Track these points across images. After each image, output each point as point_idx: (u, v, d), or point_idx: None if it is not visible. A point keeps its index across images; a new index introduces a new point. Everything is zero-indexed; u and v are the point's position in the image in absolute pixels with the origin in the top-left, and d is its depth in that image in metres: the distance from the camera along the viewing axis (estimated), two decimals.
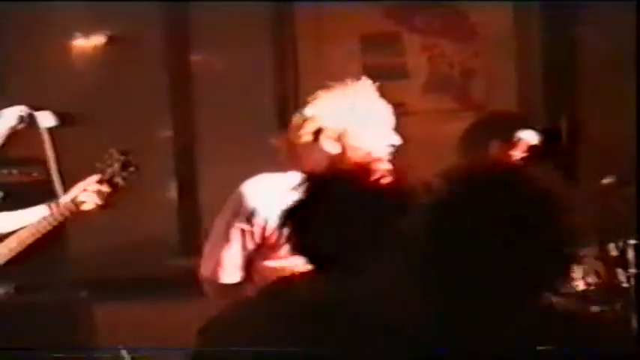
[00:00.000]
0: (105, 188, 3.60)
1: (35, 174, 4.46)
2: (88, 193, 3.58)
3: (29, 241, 3.61)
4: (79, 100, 5.17)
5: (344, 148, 3.11)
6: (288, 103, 5.37)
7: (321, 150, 3.11)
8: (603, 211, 3.26)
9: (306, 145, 3.13)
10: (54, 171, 3.60)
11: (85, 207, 3.59)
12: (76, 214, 3.61)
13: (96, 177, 3.62)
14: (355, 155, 3.07)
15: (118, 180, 3.62)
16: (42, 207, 3.63)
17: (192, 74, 5.72)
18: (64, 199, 3.59)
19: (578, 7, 5.20)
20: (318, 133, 3.12)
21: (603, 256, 2.98)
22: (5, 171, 4.56)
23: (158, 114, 5.66)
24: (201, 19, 5.61)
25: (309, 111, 3.15)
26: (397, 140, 3.16)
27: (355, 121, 3.12)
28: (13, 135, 3.55)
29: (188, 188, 5.67)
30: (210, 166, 5.55)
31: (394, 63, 5.40)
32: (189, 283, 3.38)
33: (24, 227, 3.61)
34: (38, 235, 3.60)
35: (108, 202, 3.63)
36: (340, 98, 3.15)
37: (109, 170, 3.62)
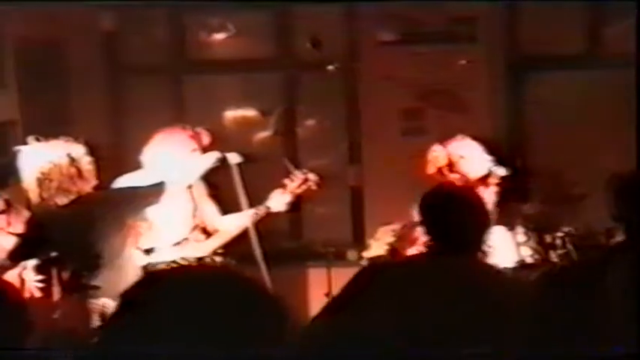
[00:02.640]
0: (291, 198, 4.98)
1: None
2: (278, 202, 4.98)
3: (234, 234, 4.92)
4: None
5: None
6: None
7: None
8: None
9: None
10: (240, 193, 4.89)
11: (274, 210, 4.99)
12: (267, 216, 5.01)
13: (281, 190, 4.98)
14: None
15: (297, 191, 4.98)
16: (250, 211, 4.95)
17: None
18: (266, 204, 4.97)
19: None
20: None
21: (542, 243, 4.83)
22: None
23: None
24: None
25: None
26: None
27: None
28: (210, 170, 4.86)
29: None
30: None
31: None
32: None
33: (232, 226, 4.91)
34: (241, 231, 4.92)
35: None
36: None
37: (292, 185, 4.98)
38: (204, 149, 4.83)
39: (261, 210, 5.03)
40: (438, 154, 4.90)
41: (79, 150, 4.23)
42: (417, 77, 6.12)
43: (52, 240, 3.98)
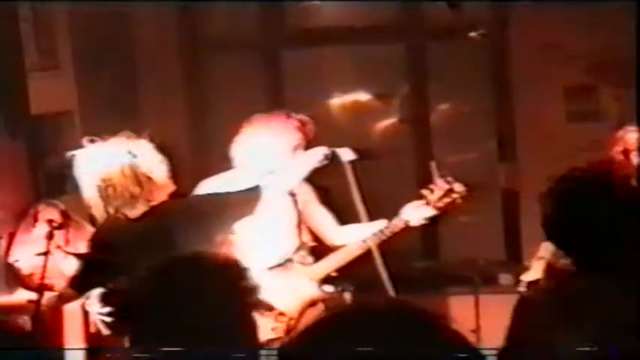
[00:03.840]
0: (431, 210, 4.86)
1: None
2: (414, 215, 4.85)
3: (356, 253, 4.82)
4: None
5: None
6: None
7: None
8: None
9: None
10: (356, 198, 4.67)
11: (412, 224, 4.85)
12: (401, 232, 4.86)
13: (418, 202, 4.85)
14: None
15: (439, 205, 4.87)
16: (379, 223, 4.82)
17: None
18: (400, 217, 4.84)
19: None
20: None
21: None
22: None
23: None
24: None
25: None
26: None
27: None
28: (316, 170, 4.72)
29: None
30: None
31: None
32: None
33: (352, 242, 4.82)
34: (365, 249, 4.81)
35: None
36: None
37: (433, 197, 4.86)
38: (309, 143, 4.80)
39: (395, 224, 4.90)
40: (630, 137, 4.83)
41: (145, 147, 4.27)
42: (585, 45, 6.02)
43: (122, 262, 4.00)
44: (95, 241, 4.24)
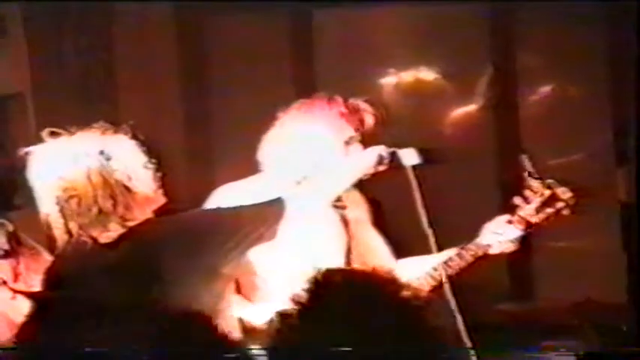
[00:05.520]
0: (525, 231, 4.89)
1: None
2: (498, 237, 4.89)
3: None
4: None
5: None
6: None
7: None
8: None
9: None
10: (420, 209, 4.61)
11: (493, 251, 4.89)
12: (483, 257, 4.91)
13: (505, 217, 4.88)
14: None
15: (535, 219, 4.88)
16: (449, 252, 4.87)
17: None
18: (477, 241, 4.89)
19: None
20: None
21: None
22: None
23: None
24: None
25: None
26: None
27: None
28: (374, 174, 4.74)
29: None
30: None
31: None
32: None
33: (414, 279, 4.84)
34: (431, 287, 4.86)
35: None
36: None
37: (530, 207, 4.88)
38: (367, 139, 4.80)
39: (469, 251, 4.93)
40: None
41: (123, 146, 4.23)
42: None
43: (91, 302, 4.01)
44: (52, 275, 4.19)
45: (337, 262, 4.92)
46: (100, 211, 4.14)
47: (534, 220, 4.87)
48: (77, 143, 4.18)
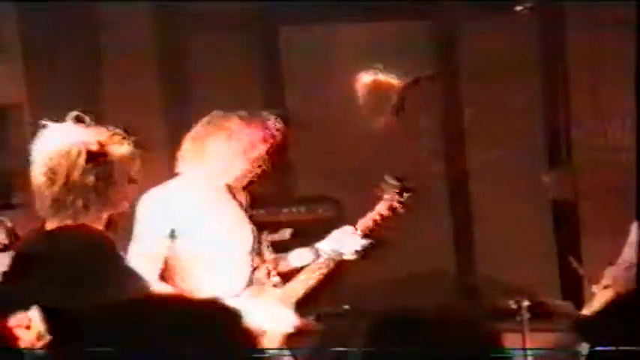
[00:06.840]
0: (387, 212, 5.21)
1: (320, 211, 6.71)
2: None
3: (318, 274, 5.18)
4: None
5: None
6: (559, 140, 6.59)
7: None
8: None
9: None
10: None
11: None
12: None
13: (382, 206, 5.22)
14: None
15: (397, 205, 5.23)
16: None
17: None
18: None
19: None
20: None
21: None
22: (294, 209, 6.80)
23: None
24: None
25: None
26: None
27: None
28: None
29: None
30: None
31: None
32: None
33: (314, 262, 5.20)
34: (325, 270, 5.20)
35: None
36: None
37: (388, 197, 5.23)
38: (276, 148, 5.06)
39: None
40: None
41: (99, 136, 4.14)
42: None
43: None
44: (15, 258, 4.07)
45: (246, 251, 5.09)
46: (85, 197, 4.01)
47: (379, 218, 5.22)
48: (78, 133, 4.11)
